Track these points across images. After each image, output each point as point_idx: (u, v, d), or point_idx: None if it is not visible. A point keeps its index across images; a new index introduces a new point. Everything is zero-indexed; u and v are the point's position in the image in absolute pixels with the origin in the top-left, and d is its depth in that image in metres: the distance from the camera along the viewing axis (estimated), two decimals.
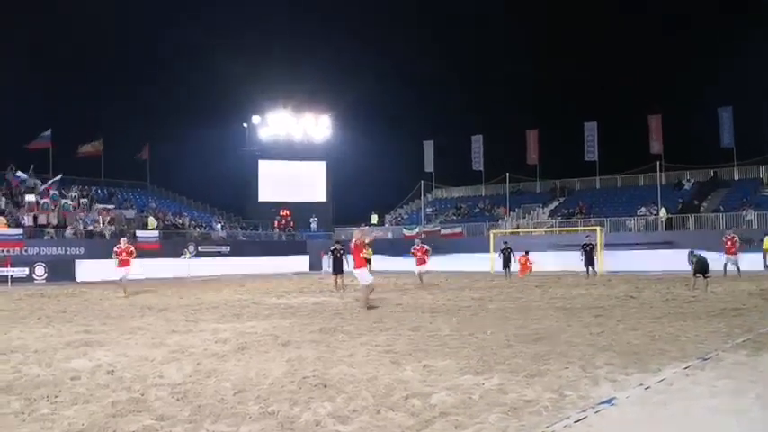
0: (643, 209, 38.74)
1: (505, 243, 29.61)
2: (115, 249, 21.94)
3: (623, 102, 47.63)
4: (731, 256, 24.93)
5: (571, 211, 41.91)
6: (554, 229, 38.94)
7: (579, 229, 35.89)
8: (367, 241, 17.95)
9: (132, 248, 22.21)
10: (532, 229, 40.24)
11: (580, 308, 15.04)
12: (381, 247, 40.91)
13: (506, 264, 28.55)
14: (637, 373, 7.48)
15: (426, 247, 24.61)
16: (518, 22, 55.39)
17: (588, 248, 28.09)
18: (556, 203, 44.96)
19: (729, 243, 25.12)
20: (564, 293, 19.34)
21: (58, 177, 38.22)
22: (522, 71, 54.04)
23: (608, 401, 6.23)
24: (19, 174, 37.42)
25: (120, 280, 21.34)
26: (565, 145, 46.83)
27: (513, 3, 54.47)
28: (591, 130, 45.20)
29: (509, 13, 55.34)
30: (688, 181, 42.15)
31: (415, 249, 24.59)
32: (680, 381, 7.09)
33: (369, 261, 34.16)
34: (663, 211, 37.01)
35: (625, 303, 16.04)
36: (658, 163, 39.70)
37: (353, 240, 16.93)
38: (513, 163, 46.52)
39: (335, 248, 24.13)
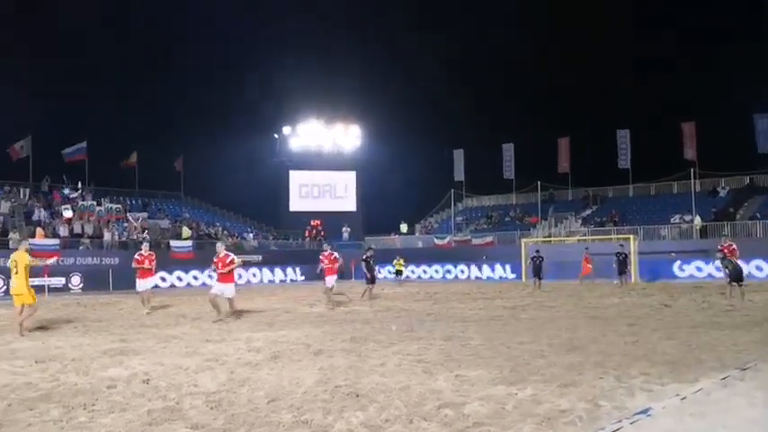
0: (677, 217, 38.20)
1: (537, 251, 28.77)
2: (136, 257, 19.42)
3: (656, 108, 47.16)
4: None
5: (604, 219, 41.48)
6: (586, 237, 38.56)
7: (612, 237, 35.49)
8: (337, 257, 19.78)
9: (154, 256, 19.62)
10: (564, 238, 39.90)
11: (614, 317, 14.87)
12: (411, 256, 41.02)
13: (537, 272, 27.57)
14: (673, 383, 7.38)
15: (336, 254, 20.37)
16: (548, 29, 55.16)
17: (621, 257, 27.71)
18: (588, 212, 44.54)
19: (726, 251, 23.64)
20: (597, 302, 19.14)
21: (145, 214, 39.46)
22: (553, 79, 53.85)
23: (644, 412, 6.16)
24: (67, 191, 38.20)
25: (141, 293, 19.11)
26: (597, 152, 46.45)
27: (544, 11, 54.29)
28: (623, 137, 44.73)
29: (539, 21, 55.20)
30: (723, 188, 41.47)
31: (322, 256, 20.30)
32: (718, 391, 6.98)
33: (400, 272, 33.96)
34: (697, 219, 36.46)
35: (660, 312, 15.83)
36: (692, 170, 39.17)
37: (327, 252, 19.51)
38: (545, 171, 46.27)
39: (368, 257, 24.06)
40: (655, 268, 32.59)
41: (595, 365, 8.53)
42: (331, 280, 19.63)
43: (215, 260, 16.37)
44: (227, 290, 16.27)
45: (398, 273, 35.09)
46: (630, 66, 52.27)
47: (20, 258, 13.49)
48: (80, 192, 38.65)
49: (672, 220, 38.11)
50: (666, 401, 6.57)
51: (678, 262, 32.86)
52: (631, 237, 33.76)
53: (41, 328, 14.44)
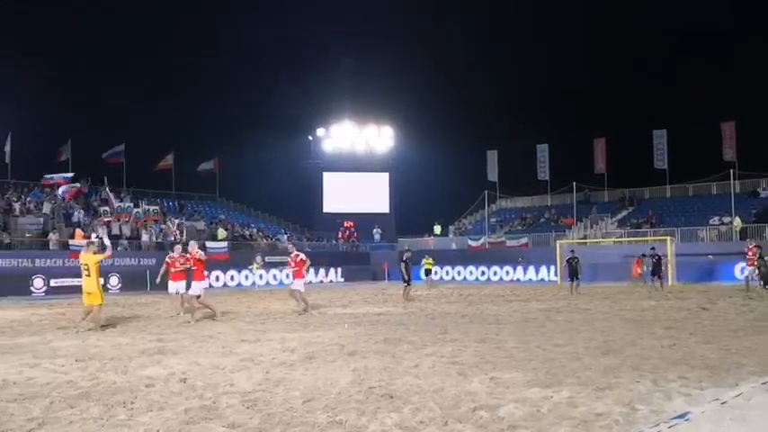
0: (716, 218, 37.52)
1: (572, 252, 27.68)
2: (167, 260, 18.08)
3: (694, 109, 46.38)
4: (752, 267, 23.44)
5: (640, 220, 40.94)
6: (622, 239, 38.09)
7: (649, 239, 34.99)
8: (303, 259, 18.44)
9: (188, 257, 17.45)
10: (600, 240, 39.47)
11: (650, 320, 14.68)
12: (445, 257, 40.95)
13: (573, 274, 26.22)
14: (712, 387, 7.27)
15: (302, 255, 18.58)
16: (583, 30, 54.64)
17: (655, 258, 27.00)
18: (624, 213, 43.99)
19: (751, 254, 23.45)
20: (633, 305, 18.90)
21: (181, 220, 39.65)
22: (588, 79, 53.31)
23: (682, 416, 6.08)
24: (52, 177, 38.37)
25: (177, 293, 17.88)
26: (633, 153, 45.87)
27: (580, 11, 53.79)
28: (660, 137, 44.13)
29: (574, 22, 54.70)
30: (764, 189, 40.62)
31: (289, 258, 18.74)
32: (758, 396, 6.86)
33: (429, 271, 33.26)
34: (737, 221, 35.77)
35: (698, 316, 15.59)
36: (732, 171, 38.43)
37: (296, 254, 18.43)
38: (580, 172, 45.81)
39: (407, 258, 23.97)
40: (693, 270, 32.05)
41: (632, 369, 8.44)
42: (299, 283, 18.21)
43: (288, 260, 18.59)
44: (298, 285, 17.98)
45: (428, 272, 33.97)
46: (668, 65, 51.55)
47: (89, 259, 14.18)
48: (121, 198, 39.17)
49: (710, 221, 37.46)
50: (706, 406, 6.48)
51: (717, 264, 32.28)
52: (668, 239, 33.25)
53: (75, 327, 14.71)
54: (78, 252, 30.39)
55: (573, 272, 25.96)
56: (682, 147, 43.72)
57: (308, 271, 18.53)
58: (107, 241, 15.47)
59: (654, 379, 7.74)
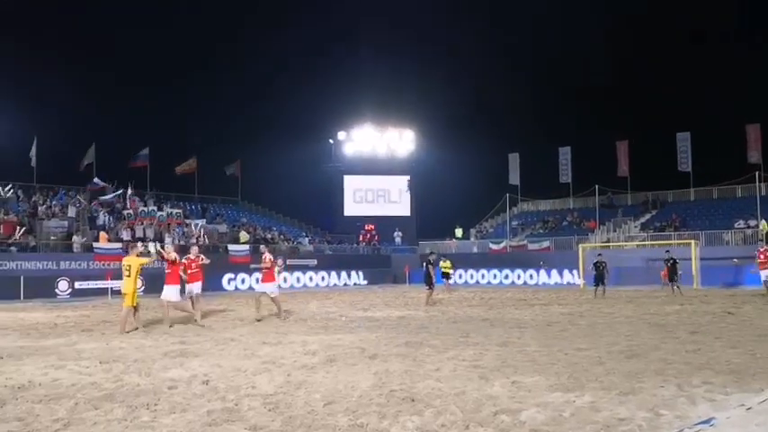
0: (741, 221, 37.08)
1: (599, 256, 26.89)
2: (183, 261, 16.83)
3: (717, 111, 45.91)
4: (765, 271, 23.21)
5: (664, 224, 40.55)
6: (646, 242, 37.74)
7: (673, 242, 34.64)
8: (272, 258, 18.00)
9: (203, 258, 17.45)
10: (623, 243, 39.14)
11: (674, 324, 14.53)
12: (467, 261, 40.84)
13: (600, 279, 25.22)
14: (737, 392, 7.18)
15: (202, 257, 17.39)
16: (605, 32, 54.30)
17: (670, 263, 26.29)
18: (648, 216, 43.60)
19: (763, 257, 23.27)
20: (657, 309, 18.73)
21: (119, 191, 39.03)
22: (611, 81, 52.96)
23: (706, 422, 6.01)
24: (96, 180, 38.79)
25: (190, 296, 16.98)
26: (656, 156, 45.45)
27: (602, 13, 53.49)
28: (684, 140, 43.67)
29: (597, 24, 54.41)
30: None
31: (187, 260, 16.82)
32: None
33: (448, 275, 31.46)
34: (763, 224, 35.31)
35: (723, 320, 15.41)
36: (757, 173, 37.92)
37: (271, 258, 17.80)
38: (603, 175, 45.47)
39: (433, 260, 23.86)
40: (717, 275, 31.67)
41: (655, 373, 8.36)
42: (271, 287, 17.47)
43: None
44: (270, 288, 17.34)
45: (445, 276, 31.77)
46: (692, 66, 50.99)
47: (132, 261, 14.60)
48: (144, 201, 39.47)
49: (735, 224, 37.01)
50: (731, 411, 6.40)
51: (742, 268, 31.85)
52: (692, 242, 32.90)
53: (104, 329, 14.85)
54: (103, 255, 30.94)
55: (599, 276, 25.19)
56: (706, 149, 43.28)
57: (279, 273, 18.09)
58: (153, 250, 15.79)
59: (678, 384, 7.66)
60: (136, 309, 14.65)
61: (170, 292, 15.76)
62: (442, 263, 31.52)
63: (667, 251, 27.71)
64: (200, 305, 16.75)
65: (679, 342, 11.41)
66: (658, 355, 9.96)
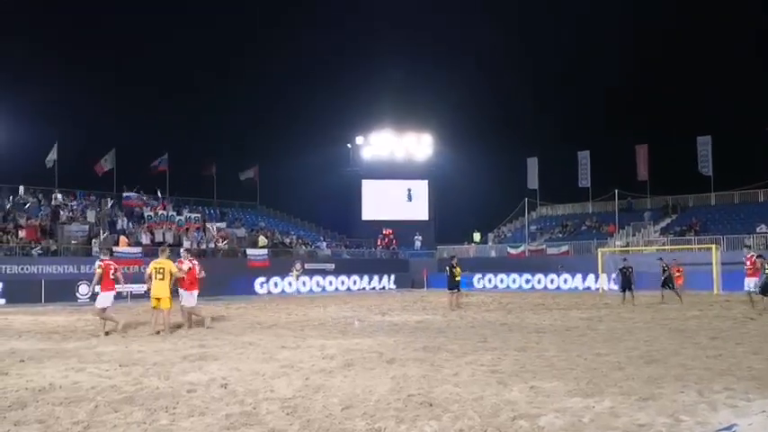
0: (763, 226, 36.61)
1: (625, 261, 25.51)
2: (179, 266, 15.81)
3: (739, 114, 45.46)
4: (751, 280, 21.40)
5: (684, 228, 40.19)
6: (666, 247, 37.42)
7: (693, 247, 34.32)
8: (195, 266, 16.19)
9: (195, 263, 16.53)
10: (643, 248, 38.84)
11: (695, 330, 14.40)
12: (485, 265, 40.72)
13: (627, 284, 24.03)
14: (759, 399, 7.10)
15: (195, 262, 16.51)
16: (626, 35, 54.03)
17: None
18: (668, 221, 43.24)
19: (750, 263, 21.88)
20: (677, 314, 18.56)
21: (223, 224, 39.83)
22: (630, 85, 52.63)
23: (728, 428, 5.95)
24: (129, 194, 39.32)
25: (182, 308, 15.97)
26: (677, 160, 45.05)
27: (621, 16, 53.22)
28: (704, 144, 43.26)
29: (615, 26, 54.13)
30: None
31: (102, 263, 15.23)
32: None
33: (458, 281, 29.96)
34: None
35: (744, 326, 15.24)
36: None
37: (189, 265, 16.13)
38: (622, 179, 45.15)
39: (453, 264, 23.69)
40: (739, 280, 31.28)
41: (676, 379, 8.29)
42: (190, 297, 15.93)
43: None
44: (188, 299, 15.89)
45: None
46: (712, 69, 50.55)
47: (167, 264, 14.75)
48: (159, 201, 39.83)
49: (758, 229, 36.58)
50: (753, 418, 6.33)
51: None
52: (713, 247, 32.58)
53: (124, 333, 14.96)
54: (122, 259, 31.16)
55: (626, 282, 24.17)
56: (727, 153, 42.82)
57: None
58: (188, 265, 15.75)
59: (699, 390, 7.59)
60: (162, 312, 14.70)
61: (190, 298, 15.86)
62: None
63: (659, 258, 26.49)
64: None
65: (699, 347, 11.30)
66: (678, 360, 9.87)
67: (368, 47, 58.07)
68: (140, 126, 49.25)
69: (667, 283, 24.63)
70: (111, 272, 15.06)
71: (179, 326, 15.43)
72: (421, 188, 53.45)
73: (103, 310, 14.95)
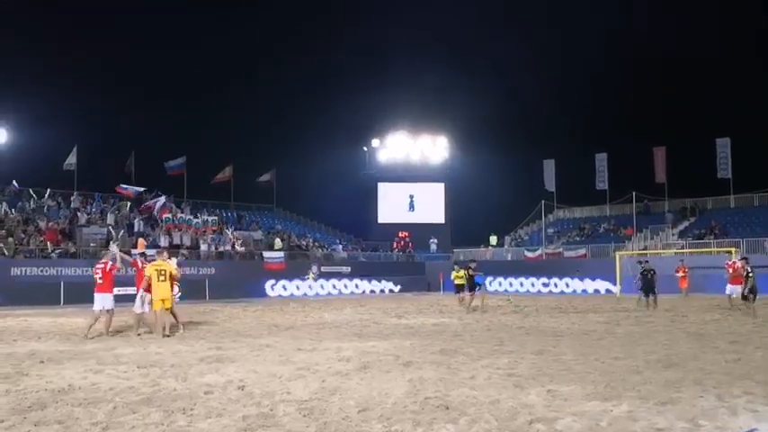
0: None
1: (647, 263, 23.99)
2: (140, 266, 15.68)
3: (758, 116, 45.03)
4: (733, 287, 20.80)
5: (703, 231, 39.84)
6: (684, 250, 37.10)
7: (713, 250, 34.00)
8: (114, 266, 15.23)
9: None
10: (661, 251, 38.53)
11: (714, 334, 14.26)
12: (501, 268, 40.57)
13: (650, 288, 22.74)
14: None
15: (112, 262, 15.37)
16: (643, 36, 53.72)
17: (649, 274, 23.23)
18: (686, 224, 42.89)
19: (732, 270, 21.24)
20: (695, 318, 18.40)
21: (162, 198, 39.11)
22: (648, 87, 52.31)
23: None
24: (126, 187, 38.78)
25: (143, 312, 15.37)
26: (695, 162, 44.69)
27: (638, 18, 52.94)
28: (723, 146, 42.89)
29: (633, 29, 53.84)
30: None
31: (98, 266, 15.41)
32: None
33: (462, 287, 25.58)
34: None
35: (764, 329, 15.07)
36: None
37: (111, 263, 15.38)
38: (640, 182, 44.87)
39: (470, 267, 23.54)
40: (759, 284, 30.94)
41: (694, 383, 8.22)
42: (102, 300, 15.04)
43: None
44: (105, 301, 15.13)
45: (460, 288, 25.63)
46: (731, 71, 50.13)
47: (168, 267, 15.07)
48: (175, 206, 39.88)
49: None
50: None
51: None
52: (733, 250, 32.23)
53: (143, 334, 15.05)
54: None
55: (649, 285, 22.92)
56: (746, 155, 42.45)
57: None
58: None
59: (718, 394, 7.52)
60: (164, 313, 14.81)
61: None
62: (455, 272, 26.61)
63: (647, 261, 25.07)
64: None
65: (718, 351, 11.19)
66: (697, 364, 9.79)
67: (384, 50, 58.22)
68: (159, 130, 49.66)
69: (649, 289, 23.07)
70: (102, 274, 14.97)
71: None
72: (437, 191, 53.42)
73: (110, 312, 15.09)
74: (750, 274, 19.17)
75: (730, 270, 21.55)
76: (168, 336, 14.46)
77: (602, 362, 10.13)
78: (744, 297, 19.26)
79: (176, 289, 16.03)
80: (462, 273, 25.71)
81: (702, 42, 50.02)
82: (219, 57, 56.86)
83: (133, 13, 54.46)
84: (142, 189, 38.89)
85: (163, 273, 14.80)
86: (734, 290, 20.81)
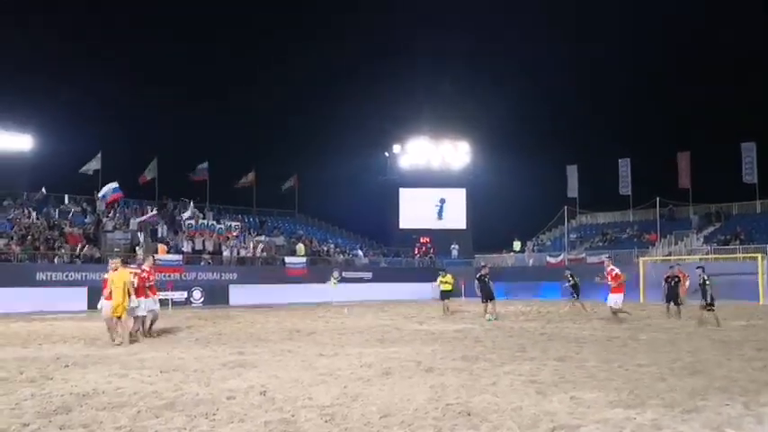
0: None
1: (671, 269, 22.59)
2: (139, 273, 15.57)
3: None
4: (617, 296, 19.78)
5: (728, 237, 39.33)
6: (709, 256, 36.67)
7: (738, 256, 33.56)
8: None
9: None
10: (685, 257, 38.09)
11: (740, 341, 14.08)
12: (524, 274, 40.33)
13: (673, 296, 21.24)
14: None
15: (110, 274, 14.86)
16: (666, 40, 53.28)
17: (672, 282, 21.86)
18: (711, 229, 42.38)
19: (611, 278, 19.81)
20: (721, 325, 18.14)
21: (154, 212, 38.53)
22: (672, 91, 51.82)
23: None
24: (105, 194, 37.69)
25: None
26: (720, 167, 44.17)
27: (662, 22, 52.50)
28: (749, 150, 42.37)
29: (656, 34, 53.41)
30: None
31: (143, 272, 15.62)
32: None
33: (448, 293, 24.78)
34: None
35: None
36: None
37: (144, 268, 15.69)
38: (664, 187, 44.42)
39: (483, 275, 23.23)
40: None
41: (720, 391, 8.12)
42: (153, 303, 15.76)
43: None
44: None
45: (446, 294, 24.89)
46: (755, 75, 49.51)
47: (122, 277, 14.38)
48: (195, 214, 39.92)
49: None
50: None
51: None
52: (759, 256, 31.85)
53: (166, 338, 15.17)
54: (163, 267, 31.62)
55: (672, 293, 21.51)
56: None
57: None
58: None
59: (744, 402, 7.42)
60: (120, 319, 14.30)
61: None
62: (441, 278, 25.27)
63: (671, 267, 23.98)
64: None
65: (744, 359, 11.04)
66: (722, 372, 9.67)
67: (405, 55, 58.28)
68: (182, 135, 50.04)
69: (671, 296, 21.67)
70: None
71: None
72: (458, 196, 53.24)
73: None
74: (707, 282, 18.57)
75: (609, 277, 19.88)
76: (119, 345, 13.87)
77: (626, 369, 10.04)
78: (708, 306, 18.45)
79: (134, 299, 14.75)
80: (448, 278, 24.97)
81: (726, 46, 49.53)
82: (245, 62, 57.32)
83: (160, 23, 54.96)
84: (116, 184, 37.68)
85: (113, 282, 14.29)
86: (617, 299, 19.70)
